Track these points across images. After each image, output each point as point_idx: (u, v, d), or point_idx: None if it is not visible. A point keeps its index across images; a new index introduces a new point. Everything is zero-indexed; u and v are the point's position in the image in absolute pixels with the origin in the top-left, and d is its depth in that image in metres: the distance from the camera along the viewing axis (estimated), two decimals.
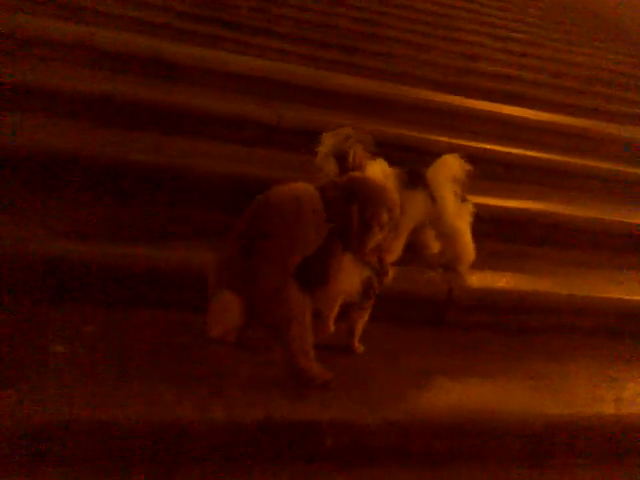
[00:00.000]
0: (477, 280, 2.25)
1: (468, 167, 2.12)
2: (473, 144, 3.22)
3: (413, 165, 2.16)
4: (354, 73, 4.34)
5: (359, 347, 1.86)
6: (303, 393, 1.57)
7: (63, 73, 2.77)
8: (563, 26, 8.09)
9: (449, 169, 2.13)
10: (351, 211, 1.57)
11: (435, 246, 2.31)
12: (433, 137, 3.11)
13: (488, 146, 3.28)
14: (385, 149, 2.06)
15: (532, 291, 2.30)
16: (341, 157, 1.90)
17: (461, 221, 2.18)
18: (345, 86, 3.50)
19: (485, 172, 3.13)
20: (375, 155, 2.03)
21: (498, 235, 2.66)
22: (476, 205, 2.26)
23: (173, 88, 2.94)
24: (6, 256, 1.72)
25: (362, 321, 1.84)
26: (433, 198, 2.13)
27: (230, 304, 1.50)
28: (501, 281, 2.30)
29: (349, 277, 1.68)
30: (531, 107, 4.39)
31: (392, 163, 2.13)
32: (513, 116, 3.83)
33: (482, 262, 2.40)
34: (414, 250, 2.24)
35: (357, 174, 1.77)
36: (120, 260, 1.82)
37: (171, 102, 2.67)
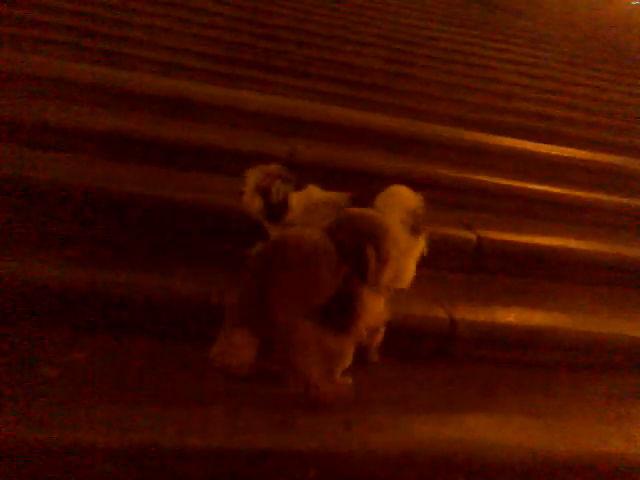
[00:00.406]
0: (484, 314, 2.22)
1: (419, 198, 2.03)
2: (496, 180, 3.25)
3: (361, 192, 2.09)
4: (384, 112, 4.40)
5: (375, 355, 1.91)
6: (289, 421, 1.59)
7: (85, 112, 2.90)
8: (594, 63, 8.04)
9: (399, 199, 2.04)
10: (367, 252, 1.62)
11: None
12: (454, 173, 3.14)
13: (506, 182, 3.27)
14: (415, 187, 2.09)
15: (541, 326, 2.25)
16: (265, 193, 1.98)
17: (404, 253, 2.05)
18: (370, 123, 3.53)
19: (504, 208, 3.18)
20: (307, 183, 2.07)
21: (508, 270, 2.65)
22: (487, 240, 2.26)
23: (192, 126, 3.04)
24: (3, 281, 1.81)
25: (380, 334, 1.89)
26: None
27: (246, 340, 1.57)
28: (510, 316, 2.26)
29: (375, 307, 1.70)
30: (563, 144, 4.35)
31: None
32: (535, 152, 3.80)
33: (491, 297, 2.39)
34: None
35: (354, 211, 1.76)
36: (116, 289, 1.90)
37: (187, 139, 2.76)
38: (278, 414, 1.63)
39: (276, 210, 1.98)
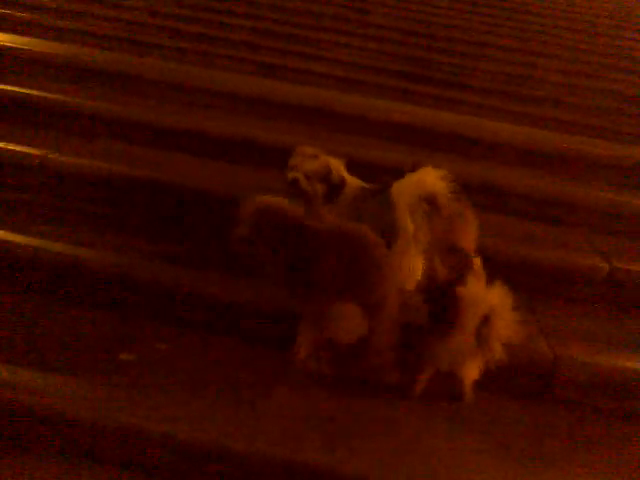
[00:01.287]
0: (587, 355, 1.98)
1: (446, 184, 1.92)
2: None
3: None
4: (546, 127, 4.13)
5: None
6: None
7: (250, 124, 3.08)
8: None
9: (415, 186, 1.95)
10: None
11: None
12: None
13: None
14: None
15: None
16: (325, 177, 2.03)
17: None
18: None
19: None
20: None
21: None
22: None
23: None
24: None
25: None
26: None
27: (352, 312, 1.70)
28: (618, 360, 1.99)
29: None
30: None
31: None
32: None
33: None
34: None
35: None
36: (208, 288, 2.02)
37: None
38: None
39: (334, 192, 2.04)
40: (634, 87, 5.30)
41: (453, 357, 1.70)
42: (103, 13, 4.88)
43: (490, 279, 1.70)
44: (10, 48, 3.33)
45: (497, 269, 1.76)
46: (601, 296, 2.33)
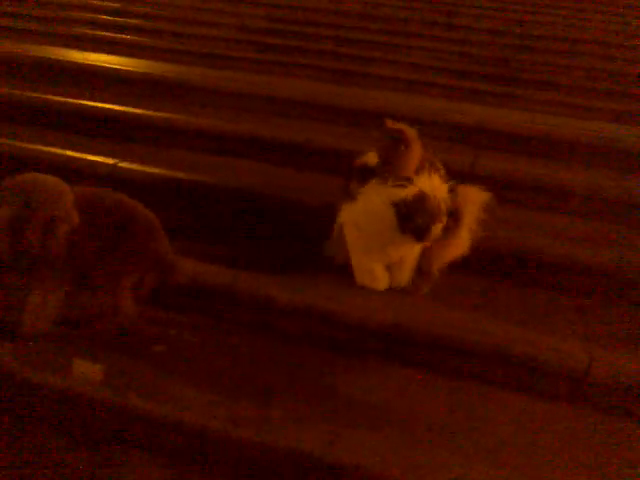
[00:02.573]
0: (625, 358, 1.86)
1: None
2: None
3: None
4: None
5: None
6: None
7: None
8: None
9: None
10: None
11: None
12: None
13: None
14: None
15: None
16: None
17: None
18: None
19: None
20: None
21: None
22: None
23: None
24: None
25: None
26: None
27: None
28: None
29: None
30: None
31: None
32: None
33: None
34: None
35: None
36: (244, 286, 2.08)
37: None
38: None
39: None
40: None
41: None
42: (194, 32, 5.15)
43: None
44: (101, 67, 3.62)
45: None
46: None
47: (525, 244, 2.30)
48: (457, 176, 2.19)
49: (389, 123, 2.13)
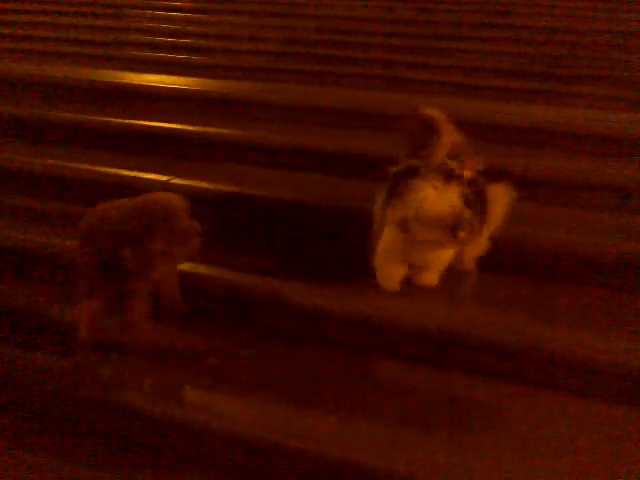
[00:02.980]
0: None
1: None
2: None
3: None
4: None
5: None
6: None
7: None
8: None
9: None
10: None
11: None
12: None
13: None
14: None
15: None
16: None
17: None
18: None
19: None
20: None
21: None
22: None
23: None
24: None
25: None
26: None
27: None
28: None
29: None
30: None
31: None
32: None
33: None
34: None
35: None
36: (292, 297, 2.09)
37: None
38: None
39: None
40: None
41: None
42: (243, 47, 5.24)
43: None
44: (155, 87, 3.72)
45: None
46: None
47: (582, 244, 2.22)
48: (513, 178, 2.17)
49: (420, 109, 2.09)
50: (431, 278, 2.10)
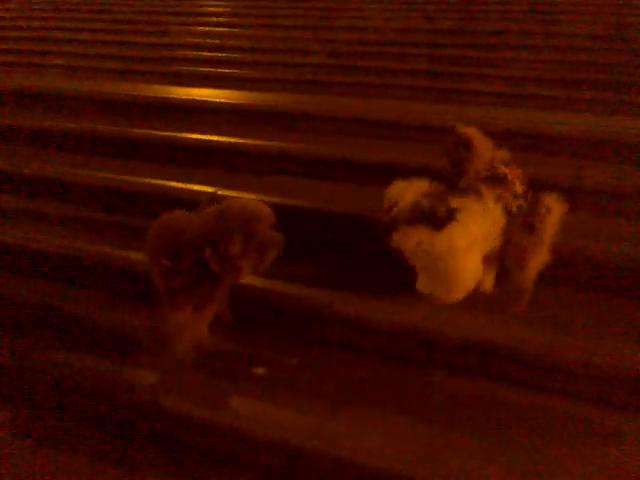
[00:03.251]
0: None
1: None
2: None
3: None
4: None
5: None
6: None
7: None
8: None
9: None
10: None
11: None
12: None
13: None
14: None
15: None
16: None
17: None
18: None
19: None
20: None
21: None
22: None
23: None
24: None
25: None
26: None
27: None
28: None
29: None
30: None
31: None
32: None
33: None
34: None
35: None
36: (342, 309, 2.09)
37: None
38: None
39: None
40: None
41: None
42: (286, 60, 5.30)
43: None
44: (200, 101, 3.81)
45: None
46: None
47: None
48: (562, 189, 2.13)
49: (458, 128, 2.12)
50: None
